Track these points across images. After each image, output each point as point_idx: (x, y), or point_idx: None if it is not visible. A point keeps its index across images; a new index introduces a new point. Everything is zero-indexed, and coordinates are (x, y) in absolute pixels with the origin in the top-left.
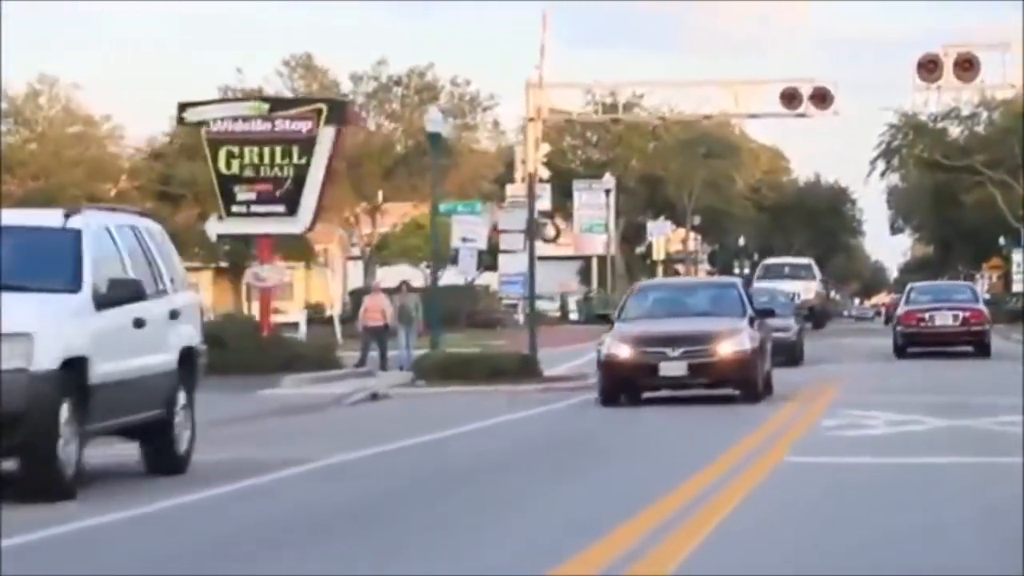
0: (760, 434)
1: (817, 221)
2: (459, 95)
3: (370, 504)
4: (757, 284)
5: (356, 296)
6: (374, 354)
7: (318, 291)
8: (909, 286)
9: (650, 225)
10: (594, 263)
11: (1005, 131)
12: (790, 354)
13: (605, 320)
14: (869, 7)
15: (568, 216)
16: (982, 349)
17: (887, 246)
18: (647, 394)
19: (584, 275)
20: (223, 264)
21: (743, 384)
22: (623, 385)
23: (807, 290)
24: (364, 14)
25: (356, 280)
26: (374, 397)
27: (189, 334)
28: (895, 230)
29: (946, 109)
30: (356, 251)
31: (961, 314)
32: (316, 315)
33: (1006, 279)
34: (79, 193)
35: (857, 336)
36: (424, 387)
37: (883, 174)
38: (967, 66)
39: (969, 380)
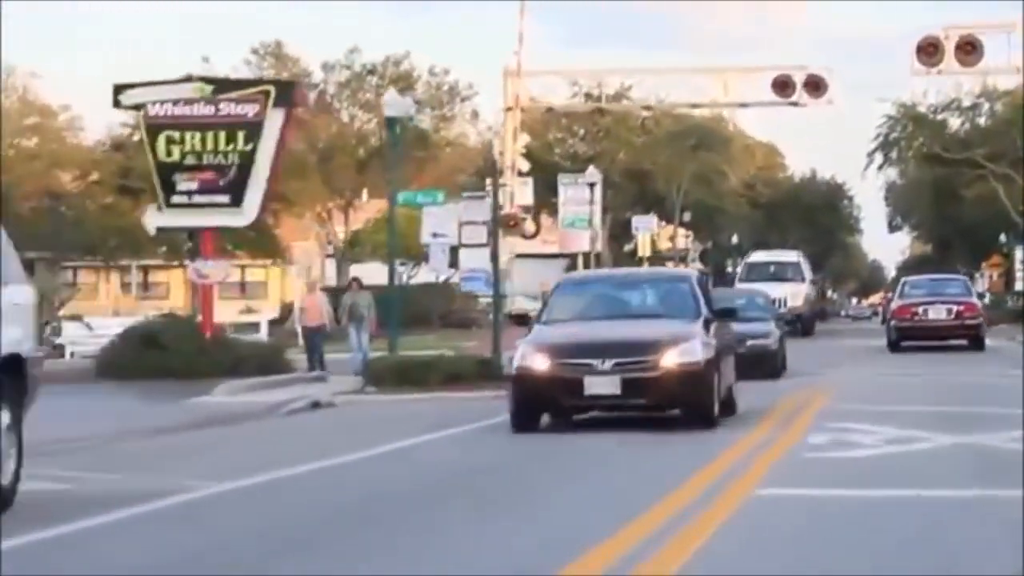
0: (724, 463)
1: (813, 218)
2: (437, 85)
3: (209, 557)
4: (739, 286)
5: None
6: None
7: (295, 290)
8: (903, 280)
9: (635, 220)
10: (579, 261)
11: (1007, 123)
12: (770, 365)
13: (524, 322)
14: (867, 6)
15: (555, 212)
16: (976, 343)
17: (885, 245)
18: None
19: None
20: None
21: (693, 404)
22: (539, 406)
23: (795, 295)
24: (341, 2)
25: (333, 278)
26: (315, 406)
27: (8, 339)
28: (893, 228)
29: (946, 100)
30: (331, 248)
31: (955, 308)
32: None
33: (1007, 277)
34: (36, 188)
35: (852, 338)
36: (374, 394)
37: (880, 167)
38: (969, 49)
39: (975, 386)
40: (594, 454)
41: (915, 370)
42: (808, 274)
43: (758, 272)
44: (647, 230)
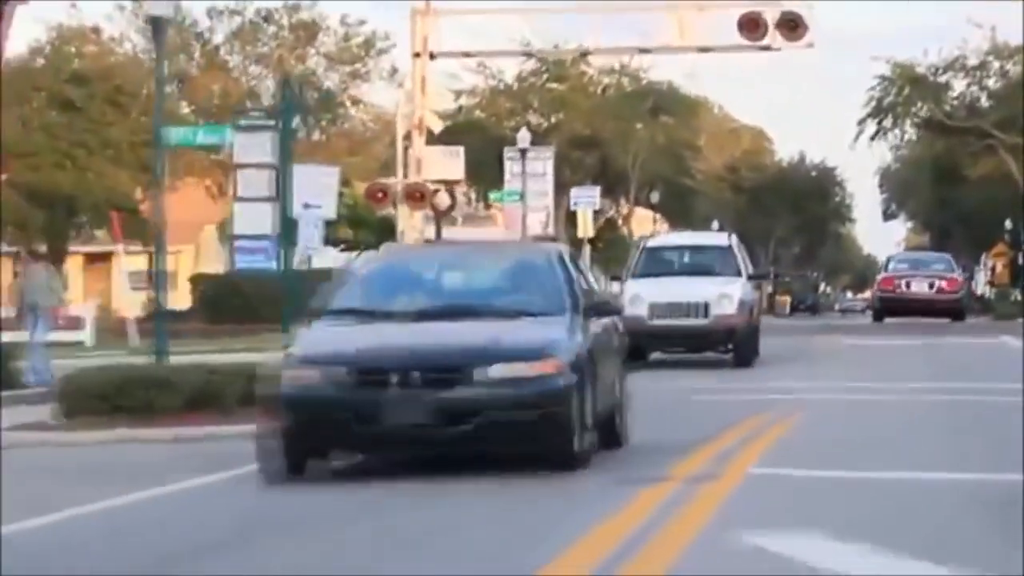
0: None
1: (802, 205)
2: (347, 36)
3: None
4: (631, 284)
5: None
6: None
7: None
8: (889, 255)
9: (574, 192)
10: None
11: (1020, 84)
12: (554, 428)
13: None
14: (871, 6)
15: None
16: (957, 316)
17: (881, 239)
18: None
19: None
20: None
21: None
22: None
23: (723, 300)
24: None
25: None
26: None
27: None
28: (888, 216)
29: (949, 59)
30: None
31: (937, 282)
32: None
33: (1012, 268)
34: None
35: (836, 334)
36: (59, 430)
37: (873, 138)
38: None
39: (1007, 409)
40: None
41: (918, 375)
42: (747, 267)
43: (663, 263)
44: (588, 205)
